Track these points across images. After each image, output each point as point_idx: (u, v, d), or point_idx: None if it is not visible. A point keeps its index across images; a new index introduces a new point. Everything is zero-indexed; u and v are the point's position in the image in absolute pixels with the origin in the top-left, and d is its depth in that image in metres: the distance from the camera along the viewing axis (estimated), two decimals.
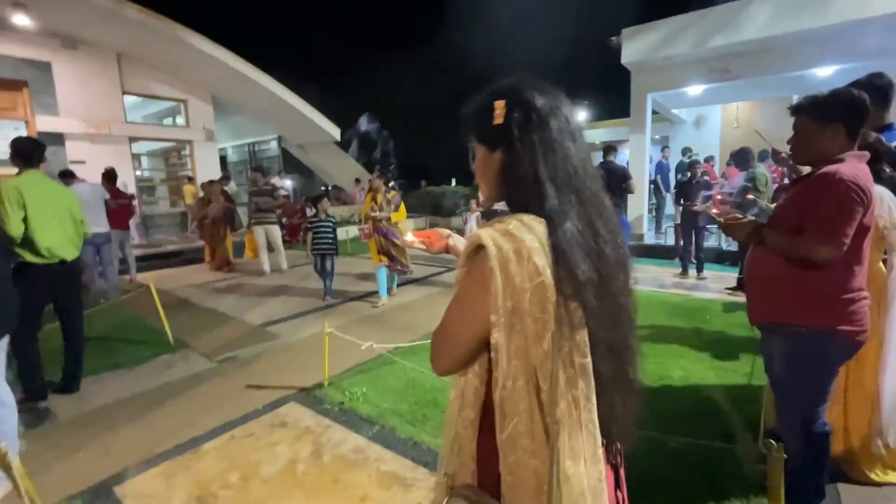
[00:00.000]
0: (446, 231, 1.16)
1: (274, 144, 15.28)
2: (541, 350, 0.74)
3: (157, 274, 7.43)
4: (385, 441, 2.54)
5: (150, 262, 8.20)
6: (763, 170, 5.25)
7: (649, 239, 8.44)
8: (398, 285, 6.06)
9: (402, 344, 3.61)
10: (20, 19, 8.15)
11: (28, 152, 3.07)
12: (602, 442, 0.79)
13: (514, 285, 0.73)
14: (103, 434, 2.71)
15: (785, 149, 2.31)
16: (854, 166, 1.57)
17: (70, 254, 3.16)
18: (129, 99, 10.70)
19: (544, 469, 0.76)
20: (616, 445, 0.90)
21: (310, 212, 11.66)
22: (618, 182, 5.86)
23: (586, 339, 0.76)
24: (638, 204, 8.14)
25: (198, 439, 2.61)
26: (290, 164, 16.00)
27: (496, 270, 0.73)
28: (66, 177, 5.78)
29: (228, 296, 6.04)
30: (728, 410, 2.73)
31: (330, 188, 14.93)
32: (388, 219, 5.27)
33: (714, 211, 2.06)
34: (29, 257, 2.97)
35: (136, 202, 8.63)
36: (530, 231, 0.75)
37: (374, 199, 5.29)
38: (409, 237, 1.16)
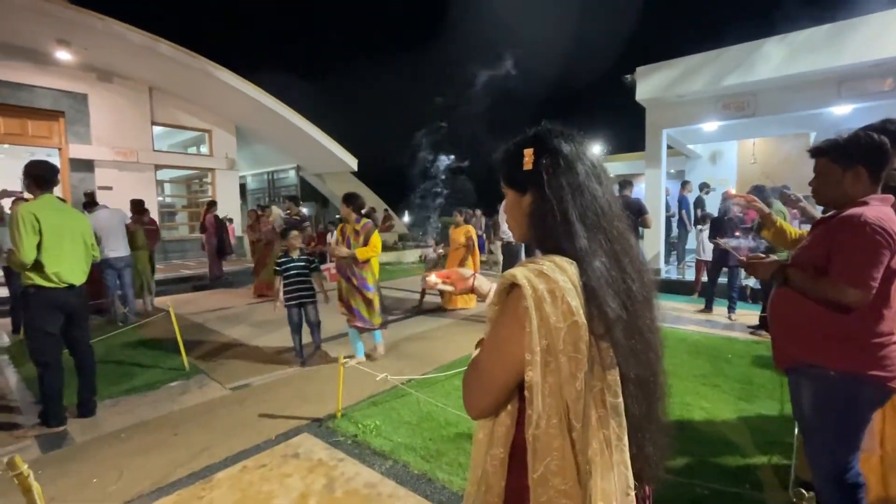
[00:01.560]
0: (468, 271, 1.18)
1: (292, 173, 15.67)
2: (574, 389, 0.75)
3: (174, 298, 7.54)
4: (398, 477, 2.48)
5: (168, 286, 8.33)
6: (780, 206, 5.19)
7: (668, 274, 8.35)
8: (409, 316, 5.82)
9: (416, 376, 3.58)
10: (63, 55, 8.68)
11: (43, 176, 3.03)
12: (633, 484, 0.79)
13: (548, 325, 0.74)
14: (118, 459, 2.70)
15: (802, 187, 2.31)
16: (878, 209, 1.56)
17: (78, 279, 3.13)
18: (156, 128, 11.17)
19: None
20: (645, 489, 0.89)
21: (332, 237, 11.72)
22: (633, 216, 5.85)
23: (618, 379, 0.77)
24: (654, 240, 8.09)
25: (210, 468, 2.58)
26: (308, 192, 16.36)
27: (531, 310, 0.75)
28: (88, 205, 5.99)
29: (244, 322, 6.08)
30: (755, 455, 2.62)
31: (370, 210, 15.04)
32: (354, 258, 4.06)
33: (732, 244, 2.05)
34: (38, 280, 2.94)
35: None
36: (563, 272, 0.77)
37: (341, 231, 4.26)
38: (432, 279, 1.17)
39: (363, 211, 4.35)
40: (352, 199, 4.23)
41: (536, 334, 0.74)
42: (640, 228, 6.11)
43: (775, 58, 6.45)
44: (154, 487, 2.41)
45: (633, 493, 0.78)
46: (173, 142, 13.11)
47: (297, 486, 2.42)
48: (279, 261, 4.35)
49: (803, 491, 1.40)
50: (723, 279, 5.98)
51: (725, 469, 2.46)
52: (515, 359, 0.78)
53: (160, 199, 11.85)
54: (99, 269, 5.56)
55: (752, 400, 3.34)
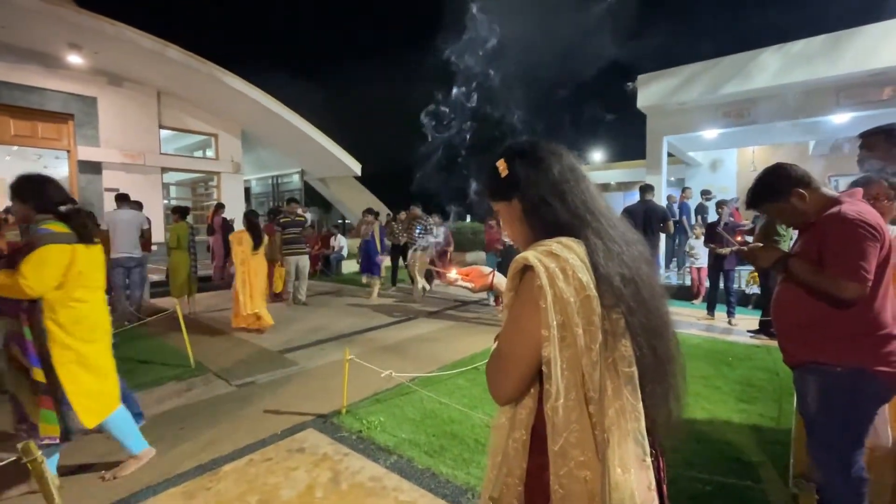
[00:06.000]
0: (487, 269, 1.21)
1: (296, 178, 15.81)
2: (589, 361, 0.78)
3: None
4: (403, 471, 2.51)
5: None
6: None
7: (668, 280, 8.39)
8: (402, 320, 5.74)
9: (421, 374, 3.62)
10: (73, 58, 8.82)
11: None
12: (650, 451, 0.81)
13: (562, 300, 0.78)
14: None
15: None
16: (853, 205, 1.62)
17: None
18: (163, 132, 11.30)
19: (595, 479, 0.78)
20: (660, 459, 0.91)
21: (335, 241, 11.49)
22: (657, 222, 5.86)
23: (630, 349, 0.80)
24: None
25: (217, 461, 2.62)
26: (311, 196, 16.49)
27: (546, 287, 0.78)
28: (122, 200, 6.12)
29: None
30: (755, 453, 2.65)
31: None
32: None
33: (738, 238, 2.11)
34: None
35: None
36: (570, 250, 0.82)
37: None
38: (453, 275, 1.20)
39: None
40: (18, 190, 2.26)
41: (551, 310, 0.77)
42: (662, 234, 6.08)
43: (772, 67, 6.55)
44: (162, 479, 2.45)
45: (649, 460, 0.80)
46: (180, 145, 13.23)
47: (302, 478, 2.45)
48: None
49: (804, 482, 1.44)
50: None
51: (726, 466, 2.49)
52: (535, 338, 0.80)
53: (166, 201, 11.95)
54: (107, 268, 5.64)
55: (751, 401, 3.37)
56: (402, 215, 8.66)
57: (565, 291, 0.77)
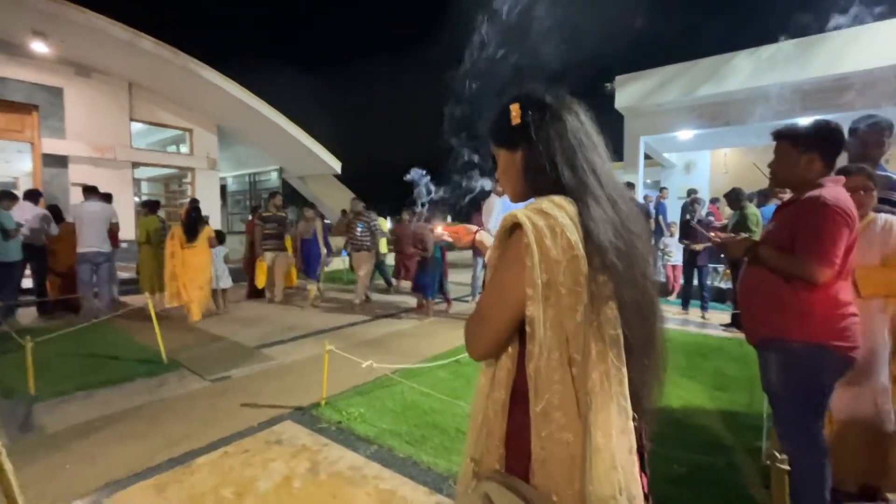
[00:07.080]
0: (473, 227, 1.22)
1: (274, 175, 15.51)
2: (574, 322, 0.76)
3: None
4: (383, 460, 2.48)
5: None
6: (754, 209, 5.42)
7: None
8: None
9: (402, 365, 3.59)
10: (38, 47, 8.45)
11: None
12: (633, 415, 0.79)
13: (549, 259, 0.76)
14: (92, 447, 2.63)
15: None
16: (833, 190, 1.68)
17: None
18: (135, 126, 10.93)
19: (577, 442, 0.77)
20: (642, 426, 0.90)
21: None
22: None
23: (616, 312, 0.78)
24: None
25: (190, 454, 2.54)
26: (290, 195, 16.20)
27: (532, 245, 0.76)
28: (89, 192, 5.86)
29: (222, 318, 5.98)
30: (728, 436, 2.72)
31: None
32: None
33: (711, 234, 2.15)
34: None
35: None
36: (561, 209, 0.79)
37: None
38: (439, 230, 1.23)
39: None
40: None
41: (537, 269, 0.75)
42: None
43: (744, 70, 6.78)
44: (131, 473, 2.36)
45: (631, 425, 0.78)
46: (152, 140, 12.84)
47: (280, 469, 2.39)
48: None
49: (776, 453, 1.48)
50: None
51: (701, 448, 2.54)
52: (516, 297, 0.78)
53: (137, 198, 11.57)
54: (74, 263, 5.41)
55: (724, 389, 3.47)
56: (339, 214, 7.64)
57: (552, 250, 0.75)
